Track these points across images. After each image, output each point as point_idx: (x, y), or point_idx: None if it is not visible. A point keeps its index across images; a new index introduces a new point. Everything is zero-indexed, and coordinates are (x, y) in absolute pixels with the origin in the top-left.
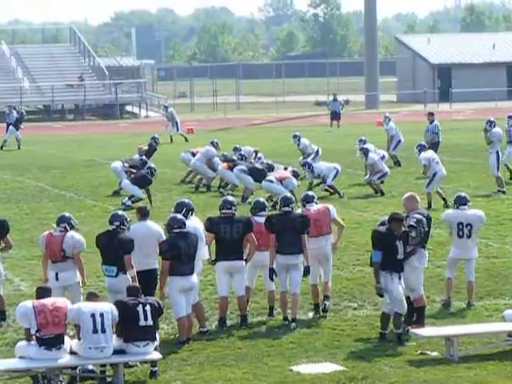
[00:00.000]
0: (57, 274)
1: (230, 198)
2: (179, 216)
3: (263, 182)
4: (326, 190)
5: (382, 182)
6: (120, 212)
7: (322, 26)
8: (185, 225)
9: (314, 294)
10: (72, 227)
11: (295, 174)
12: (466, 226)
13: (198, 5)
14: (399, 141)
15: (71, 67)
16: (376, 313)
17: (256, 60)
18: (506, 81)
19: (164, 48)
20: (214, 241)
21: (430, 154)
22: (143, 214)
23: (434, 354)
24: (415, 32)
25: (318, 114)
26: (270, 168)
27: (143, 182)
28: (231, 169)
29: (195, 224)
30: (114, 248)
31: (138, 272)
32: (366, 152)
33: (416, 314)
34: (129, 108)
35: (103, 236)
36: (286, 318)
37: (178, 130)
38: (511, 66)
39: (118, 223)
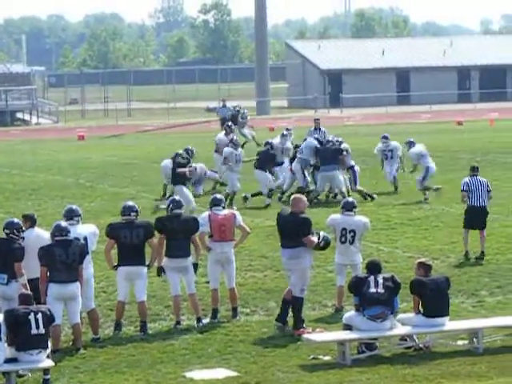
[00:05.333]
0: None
1: (131, 203)
2: (63, 224)
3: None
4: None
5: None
6: (15, 220)
7: (213, 32)
8: (68, 233)
9: (214, 299)
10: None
11: None
12: (350, 232)
13: (88, 11)
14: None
15: None
16: (268, 318)
17: (147, 66)
18: (396, 86)
19: (55, 55)
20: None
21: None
22: (31, 221)
23: (327, 358)
24: (305, 38)
25: (209, 120)
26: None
27: None
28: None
29: (85, 230)
30: (4, 255)
31: (31, 279)
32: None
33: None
34: (20, 115)
35: None
36: (178, 323)
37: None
38: (400, 72)
39: (7, 231)
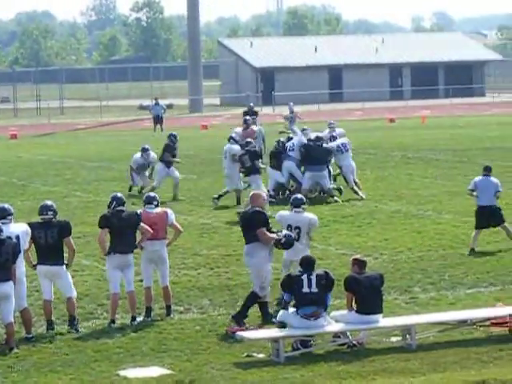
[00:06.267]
0: None
1: (49, 202)
2: None
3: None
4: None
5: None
6: None
7: (145, 30)
8: (1, 232)
9: (147, 298)
10: None
11: None
12: (295, 228)
13: (19, 9)
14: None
15: None
16: (202, 316)
17: (79, 64)
18: (328, 84)
19: None
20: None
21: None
22: None
23: (261, 355)
24: (238, 36)
25: (141, 118)
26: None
27: None
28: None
29: (18, 229)
30: None
31: None
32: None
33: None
34: None
35: None
36: (113, 321)
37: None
38: (333, 69)
39: None
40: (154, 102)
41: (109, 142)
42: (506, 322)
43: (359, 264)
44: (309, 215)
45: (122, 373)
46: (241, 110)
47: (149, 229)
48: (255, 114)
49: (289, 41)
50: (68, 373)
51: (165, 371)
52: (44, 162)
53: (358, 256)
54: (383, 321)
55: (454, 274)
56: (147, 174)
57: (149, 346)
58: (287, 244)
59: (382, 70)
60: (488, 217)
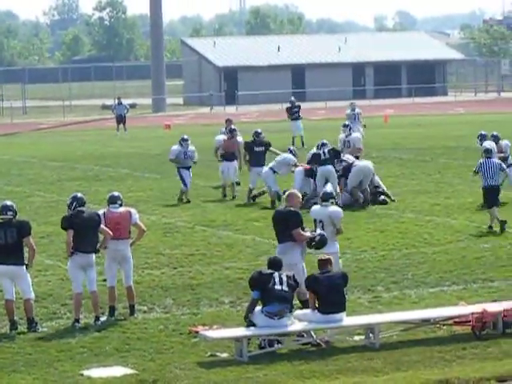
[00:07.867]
0: None
1: (9, 202)
2: None
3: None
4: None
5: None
6: None
7: (108, 29)
8: None
9: (111, 297)
10: None
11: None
12: (319, 222)
13: None
14: None
15: None
16: (166, 315)
17: (42, 64)
18: (291, 83)
19: None
20: None
21: None
22: None
23: (224, 355)
24: (201, 35)
25: (105, 117)
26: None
27: None
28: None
29: None
30: None
31: None
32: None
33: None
34: None
35: None
36: (77, 320)
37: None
38: (296, 68)
39: None
40: (116, 101)
41: (72, 142)
42: (469, 321)
43: (320, 263)
44: (331, 208)
45: (86, 372)
46: (204, 110)
47: (109, 231)
48: (298, 107)
49: (252, 40)
50: (31, 373)
51: (128, 371)
52: (7, 161)
53: (320, 256)
54: (346, 320)
55: (417, 273)
56: (191, 174)
57: (112, 346)
58: (320, 243)
59: (344, 69)
60: (489, 196)
